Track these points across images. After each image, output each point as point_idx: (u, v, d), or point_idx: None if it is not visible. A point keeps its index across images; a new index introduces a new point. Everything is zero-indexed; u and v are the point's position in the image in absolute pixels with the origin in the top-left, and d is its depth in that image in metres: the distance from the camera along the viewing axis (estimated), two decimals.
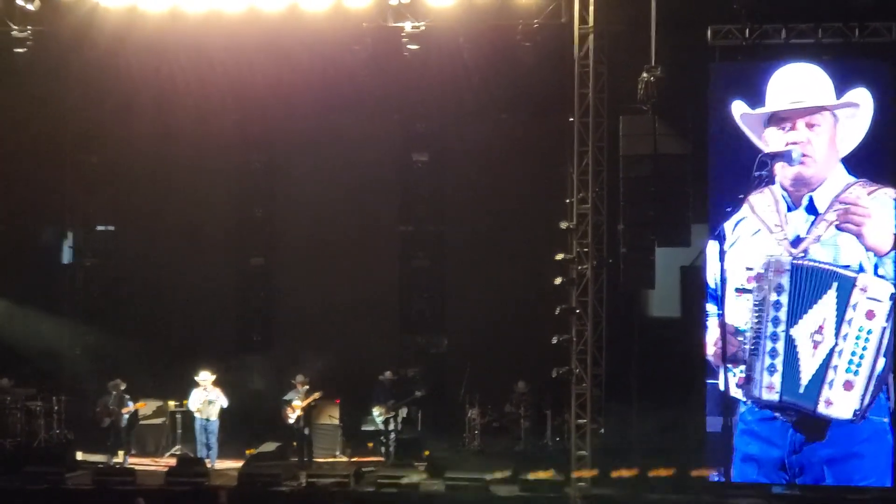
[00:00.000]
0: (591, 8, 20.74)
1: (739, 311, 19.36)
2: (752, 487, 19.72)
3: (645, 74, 20.35)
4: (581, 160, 21.18)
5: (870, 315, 18.91)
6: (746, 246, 19.48)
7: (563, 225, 21.58)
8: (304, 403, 23.40)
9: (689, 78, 20.66)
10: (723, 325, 19.18)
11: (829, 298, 19.01)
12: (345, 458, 23.80)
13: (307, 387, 23.48)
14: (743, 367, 19.26)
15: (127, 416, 23.36)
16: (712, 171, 20.00)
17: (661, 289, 21.97)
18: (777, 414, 19.26)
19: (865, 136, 19.18)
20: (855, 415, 18.89)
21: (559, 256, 21.55)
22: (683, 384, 20.97)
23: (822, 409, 18.92)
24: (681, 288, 22.87)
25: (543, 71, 22.37)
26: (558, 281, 21.55)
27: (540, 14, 21.46)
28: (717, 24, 20.31)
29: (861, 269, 18.99)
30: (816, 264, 19.04)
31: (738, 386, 19.32)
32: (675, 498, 19.91)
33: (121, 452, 23.28)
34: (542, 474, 20.62)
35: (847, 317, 18.93)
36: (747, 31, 20.21)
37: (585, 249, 21.15)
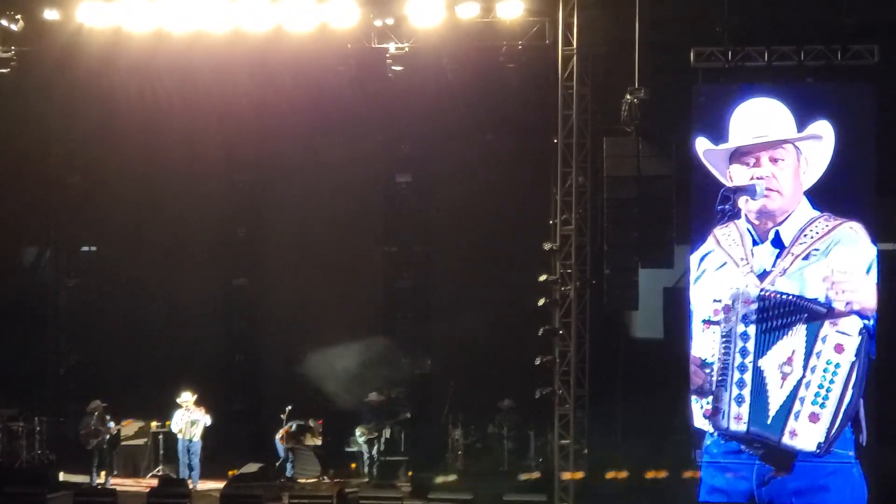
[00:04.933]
0: (575, 30, 20.86)
1: (706, 344, 19.37)
2: None
3: (628, 96, 20.44)
4: (565, 181, 21.26)
5: (839, 349, 18.82)
6: (713, 279, 19.45)
7: (547, 246, 21.63)
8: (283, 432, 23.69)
9: (673, 100, 20.74)
10: (686, 357, 19.34)
11: (799, 330, 18.93)
12: (327, 479, 23.76)
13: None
14: (710, 399, 19.27)
15: (108, 437, 23.29)
16: (696, 192, 20.02)
17: (644, 310, 22.03)
18: (743, 446, 19.25)
19: (834, 167, 19.19)
20: (819, 447, 18.80)
21: (543, 277, 21.58)
22: (667, 406, 21.00)
23: (786, 439, 18.84)
24: (664, 309, 22.89)
25: (527, 92, 22.48)
26: (542, 302, 21.57)
27: (524, 36, 21.57)
28: (699, 46, 20.38)
29: (828, 302, 18.99)
30: (787, 296, 19.05)
31: (705, 417, 19.31)
32: None
33: (103, 473, 23.23)
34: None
35: (816, 349, 18.82)
36: (730, 53, 20.29)
37: (569, 270, 21.21)
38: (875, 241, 19.11)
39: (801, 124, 19.12)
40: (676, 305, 21.30)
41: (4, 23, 21.83)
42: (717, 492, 19.48)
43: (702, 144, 19.44)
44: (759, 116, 19.16)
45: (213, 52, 21.93)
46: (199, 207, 26.20)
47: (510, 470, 22.80)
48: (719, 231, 19.39)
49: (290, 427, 23.82)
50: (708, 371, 19.23)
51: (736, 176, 19.22)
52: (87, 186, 26.44)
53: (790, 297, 18.95)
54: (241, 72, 22.88)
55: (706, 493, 19.53)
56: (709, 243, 19.53)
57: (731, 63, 20.29)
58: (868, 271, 18.83)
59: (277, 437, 23.84)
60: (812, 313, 18.85)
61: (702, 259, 19.62)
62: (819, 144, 18.99)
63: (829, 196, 19.16)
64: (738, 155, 19.24)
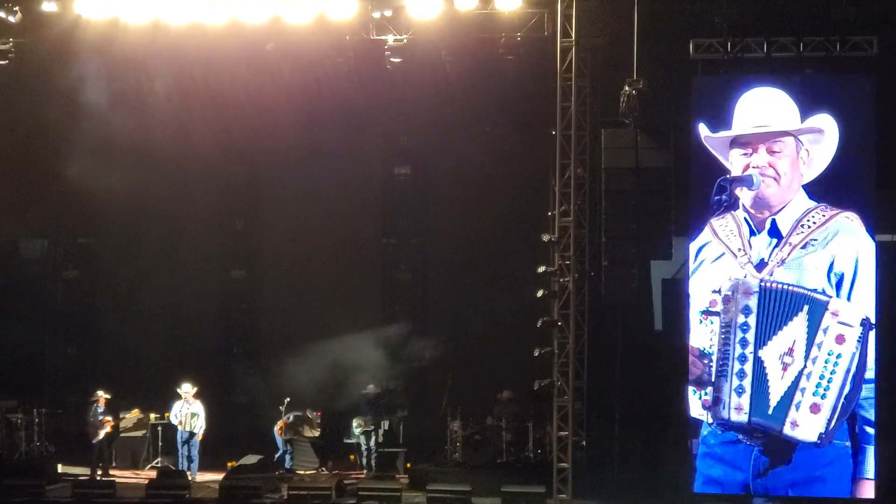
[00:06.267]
0: (574, 21, 20.82)
1: (704, 334, 19.40)
2: (731, 499, 19.77)
3: (627, 88, 20.42)
4: (563, 173, 21.25)
5: (840, 339, 18.91)
6: (710, 270, 19.56)
7: (545, 237, 21.62)
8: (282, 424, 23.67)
9: (672, 91, 20.73)
10: (685, 348, 19.34)
11: (800, 321, 19.02)
12: (326, 471, 23.77)
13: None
14: (709, 389, 19.30)
15: (109, 429, 23.28)
16: (694, 184, 20.03)
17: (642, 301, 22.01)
18: (741, 436, 19.28)
19: (832, 158, 19.22)
20: (820, 438, 18.90)
21: (541, 269, 21.58)
22: (665, 397, 21.02)
23: (788, 430, 18.94)
24: (662, 301, 22.89)
25: (526, 84, 22.45)
26: (540, 294, 21.57)
27: (522, 27, 21.55)
28: (699, 38, 20.37)
29: (825, 293, 19.04)
30: (788, 287, 19.09)
31: (704, 408, 19.35)
32: None
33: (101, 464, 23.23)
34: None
35: (817, 340, 18.93)
36: (729, 45, 20.26)
37: (567, 262, 21.21)
38: (874, 232, 19.18)
39: (802, 116, 19.17)
40: (674, 297, 21.34)
41: (2, 14, 21.79)
42: (713, 482, 19.55)
43: (703, 131, 19.51)
44: (762, 106, 19.26)
45: (210, 44, 21.91)
46: (197, 199, 26.20)
47: (509, 462, 22.79)
48: (716, 222, 19.47)
49: (288, 419, 23.83)
50: (707, 361, 19.27)
51: (734, 162, 19.30)
52: (84, 178, 26.33)
53: (791, 287, 19.00)
54: (238, 63, 22.88)
55: (702, 484, 19.59)
56: (705, 234, 19.59)
57: (731, 54, 20.27)
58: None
59: (276, 428, 23.83)
60: (813, 303, 18.90)
61: (699, 250, 19.67)
62: (820, 138, 19.03)
63: (827, 187, 19.22)
64: (737, 142, 19.33)
